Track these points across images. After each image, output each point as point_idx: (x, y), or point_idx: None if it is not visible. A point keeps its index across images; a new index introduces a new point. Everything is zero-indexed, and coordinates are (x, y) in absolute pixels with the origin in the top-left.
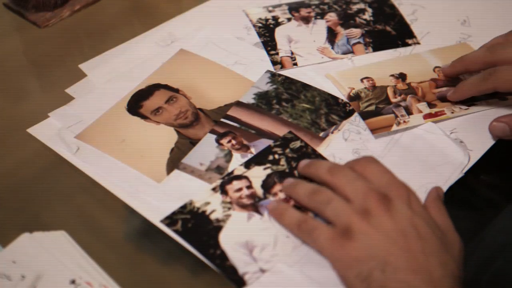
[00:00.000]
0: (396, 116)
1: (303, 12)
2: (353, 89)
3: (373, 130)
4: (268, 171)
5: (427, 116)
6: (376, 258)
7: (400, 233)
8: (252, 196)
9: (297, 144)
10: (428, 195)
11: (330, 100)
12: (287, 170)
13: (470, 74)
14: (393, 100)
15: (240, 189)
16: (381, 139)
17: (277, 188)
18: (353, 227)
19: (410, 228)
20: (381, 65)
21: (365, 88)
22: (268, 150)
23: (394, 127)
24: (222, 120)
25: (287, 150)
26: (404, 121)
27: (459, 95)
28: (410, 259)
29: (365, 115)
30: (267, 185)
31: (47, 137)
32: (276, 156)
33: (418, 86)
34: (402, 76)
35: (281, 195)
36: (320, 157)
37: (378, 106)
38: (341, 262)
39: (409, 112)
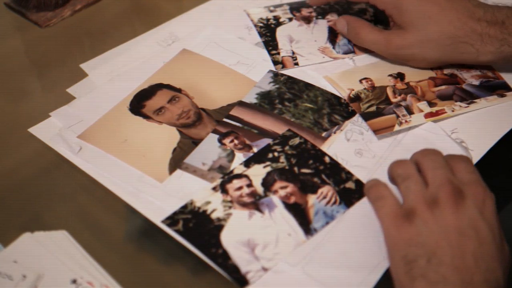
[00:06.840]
0: (398, 116)
1: (304, 12)
2: (353, 90)
3: (376, 131)
4: (268, 169)
5: (428, 115)
6: (425, 247)
7: (457, 230)
8: (253, 194)
9: (296, 141)
10: None
11: (332, 100)
12: (287, 167)
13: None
14: (393, 100)
15: (240, 188)
16: (384, 140)
17: (277, 185)
18: (416, 212)
19: (470, 228)
20: (379, 65)
21: (365, 89)
22: (267, 148)
23: (396, 127)
24: (225, 120)
25: (287, 148)
26: (406, 121)
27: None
28: (457, 256)
29: (366, 116)
30: (267, 183)
31: (48, 136)
32: (276, 154)
33: (417, 85)
34: (400, 76)
35: (282, 193)
36: (320, 152)
37: (378, 106)
38: (393, 240)
39: (410, 111)
